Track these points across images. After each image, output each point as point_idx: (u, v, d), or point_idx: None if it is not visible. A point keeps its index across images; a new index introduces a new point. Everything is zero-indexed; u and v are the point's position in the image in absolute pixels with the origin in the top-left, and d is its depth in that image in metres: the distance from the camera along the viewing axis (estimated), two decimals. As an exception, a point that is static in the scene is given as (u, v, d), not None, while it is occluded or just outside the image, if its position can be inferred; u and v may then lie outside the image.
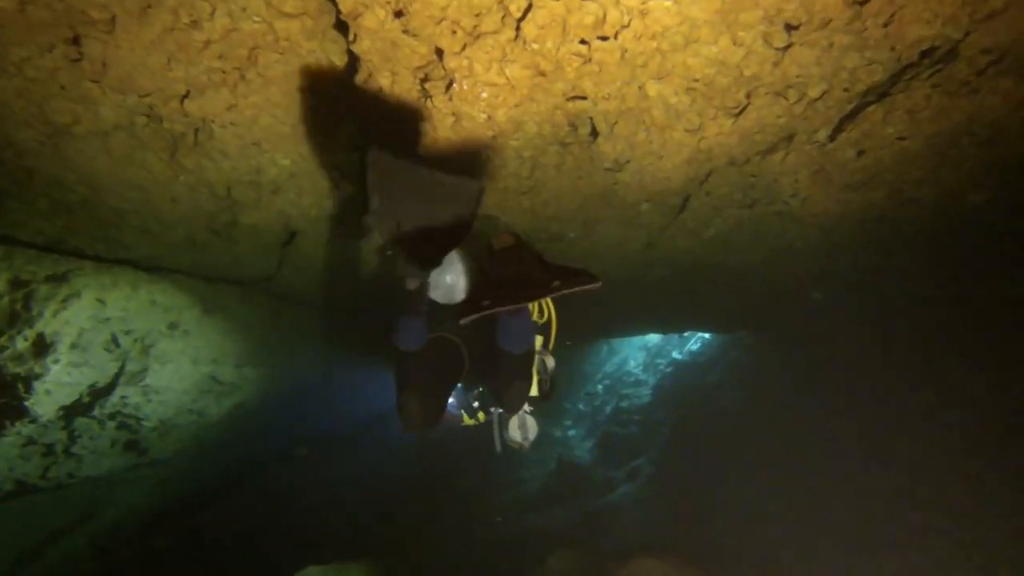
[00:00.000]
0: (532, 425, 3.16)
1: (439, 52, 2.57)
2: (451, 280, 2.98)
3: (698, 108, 3.03)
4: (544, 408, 3.39)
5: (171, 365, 4.94)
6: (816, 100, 2.96)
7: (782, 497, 8.56)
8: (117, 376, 4.60)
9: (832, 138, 3.28)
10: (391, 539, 8.98)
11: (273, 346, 5.91)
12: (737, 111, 3.04)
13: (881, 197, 3.80)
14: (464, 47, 2.52)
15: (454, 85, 2.70)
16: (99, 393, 4.55)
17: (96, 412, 4.67)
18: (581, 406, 14.08)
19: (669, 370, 12.88)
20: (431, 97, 2.80)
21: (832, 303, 6.73)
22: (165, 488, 6.59)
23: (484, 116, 2.93)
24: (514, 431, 3.13)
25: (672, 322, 9.66)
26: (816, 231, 4.55)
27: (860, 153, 3.36)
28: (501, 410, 3.25)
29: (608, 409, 13.06)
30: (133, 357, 4.63)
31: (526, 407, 3.14)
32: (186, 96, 2.79)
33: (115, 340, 4.51)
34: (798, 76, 2.81)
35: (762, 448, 9.34)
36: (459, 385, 3.28)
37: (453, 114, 2.95)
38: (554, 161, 3.77)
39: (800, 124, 3.17)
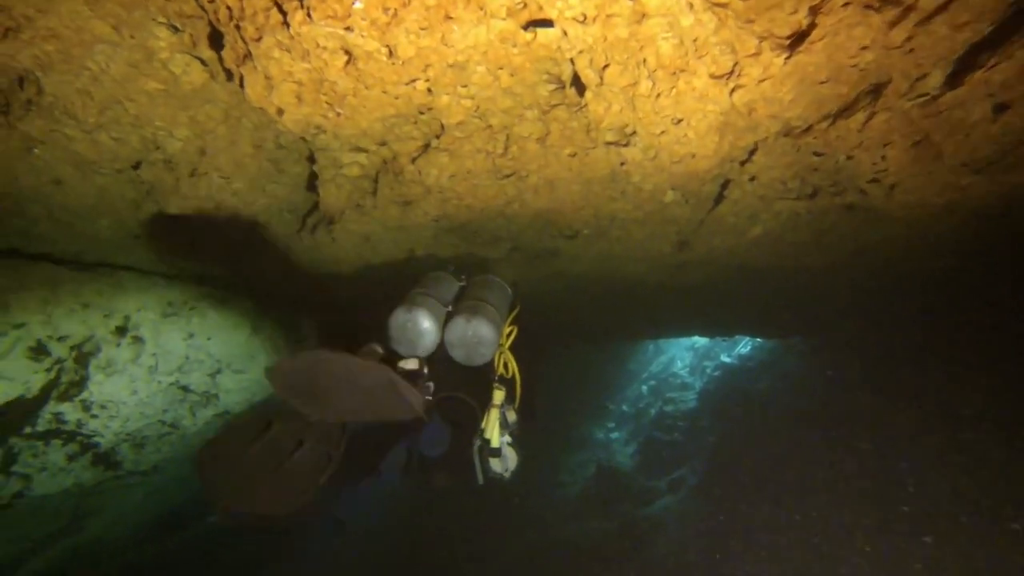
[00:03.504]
0: (512, 456, 2.87)
1: (278, -71, 1.42)
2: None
3: (729, 36, 1.75)
4: (526, 438, 3.07)
5: (121, 375, 4.00)
6: (931, 16, 1.63)
7: (838, 524, 7.03)
8: (48, 389, 3.69)
9: (953, 84, 1.91)
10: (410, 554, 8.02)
11: (255, 352, 4.93)
12: (793, 40, 1.74)
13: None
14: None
15: (309, -12, 1.53)
16: (26, 409, 3.65)
17: (27, 430, 3.79)
18: (625, 407, 12.71)
19: (716, 374, 11.34)
20: (289, 22, 1.64)
21: (911, 310, 5.20)
22: (156, 499, 5.76)
23: (383, 50, 1.74)
24: (494, 462, 2.83)
25: (713, 327, 8.20)
26: (903, 230, 3.13)
27: (1000, 108, 1.97)
28: (480, 443, 2.85)
29: (652, 412, 11.66)
30: (68, 367, 3.72)
31: (506, 438, 2.85)
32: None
33: (44, 348, 3.60)
34: (903, -31, 1.50)
35: (816, 467, 7.80)
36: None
37: (343, 50, 1.78)
38: (535, 132, 2.55)
39: (899, 61, 1.83)
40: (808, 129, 2.35)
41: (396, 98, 2.14)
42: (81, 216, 3.21)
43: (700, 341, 13.21)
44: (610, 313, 6.33)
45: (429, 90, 2.12)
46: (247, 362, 4.91)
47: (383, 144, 2.77)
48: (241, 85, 2.06)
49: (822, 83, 1.94)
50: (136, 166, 2.84)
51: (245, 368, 4.91)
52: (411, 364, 2.43)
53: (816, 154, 2.62)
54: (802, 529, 7.10)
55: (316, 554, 7.80)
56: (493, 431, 2.78)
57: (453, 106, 2.31)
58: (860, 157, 2.43)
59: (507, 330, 3.01)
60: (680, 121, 2.20)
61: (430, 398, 2.33)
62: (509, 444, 2.88)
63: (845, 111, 2.14)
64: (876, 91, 2.00)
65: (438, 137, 2.66)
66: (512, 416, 2.92)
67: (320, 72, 1.89)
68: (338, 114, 2.19)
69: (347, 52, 1.79)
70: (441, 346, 2.66)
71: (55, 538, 5.18)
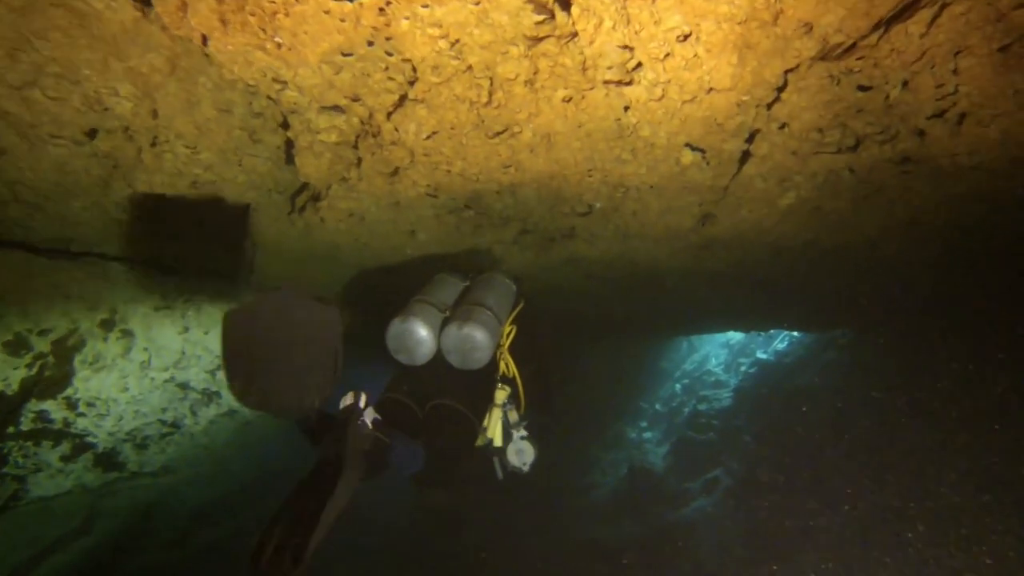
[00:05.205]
0: (528, 450, 2.83)
1: None
2: None
3: None
4: (543, 430, 3.06)
5: (109, 372, 3.70)
6: None
7: (883, 532, 6.34)
8: (30, 386, 3.40)
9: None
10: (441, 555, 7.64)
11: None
12: None
13: None
14: None
15: None
16: (8, 407, 3.37)
17: (11, 430, 3.51)
18: (658, 406, 12.04)
19: (752, 371, 10.59)
20: None
21: (977, 297, 4.53)
22: (173, 500, 5.48)
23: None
24: (512, 457, 2.82)
25: (747, 321, 7.53)
26: (971, 187, 2.55)
27: None
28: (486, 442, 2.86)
29: (686, 411, 10.97)
30: (50, 363, 3.43)
31: (521, 432, 2.84)
32: None
33: (24, 342, 3.31)
34: None
35: (858, 470, 7.10)
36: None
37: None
38: (522, 72, 2.11)
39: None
40: (852, 48, 1.84)
41: (342, 20, 1.72)
42: (48, 197, 2.90)
43: (735, 337, 12.48)
44: (634, 305, 5.80)
45: (381, 9, 1.69)
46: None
47: (356, 100, 2.37)
48: (149, 3, 1.66)
49: (873, -35, 1.44)
50: (91, 134, 2.50)
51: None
52: (347, 400, 2.21)
53: (861, 88, 2.10)
54: (843, 536, 6.44)
55: (342, 555, 7.46)
56: (495, 430, 2.76)
57: (418, 35, 1.88)
58: (920, 81, 1.89)
59: (507, 330, 2.91)
60: (687, 37, 1.72)
61: (369, 431, 2.12)
62: (524, 438, 2.83)
63: (905, 11, 1.62)
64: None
65: (412, 84, 2.24)
66: (514, 416, 2.85)
67: (234, -23, 1.49)
68: (279, 45, 1.79)
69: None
70: (440, 351, 2.60)
71: (69, 540, 4.92)
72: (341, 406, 2.14)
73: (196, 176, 2.91)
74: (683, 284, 4.87)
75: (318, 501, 1.66)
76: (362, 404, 2.16)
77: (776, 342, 10.89)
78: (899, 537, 5.91)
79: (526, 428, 2.87)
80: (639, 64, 1.99)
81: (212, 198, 3.18)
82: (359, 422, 2.05)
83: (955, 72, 1.78)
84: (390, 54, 2.08)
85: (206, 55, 2.07)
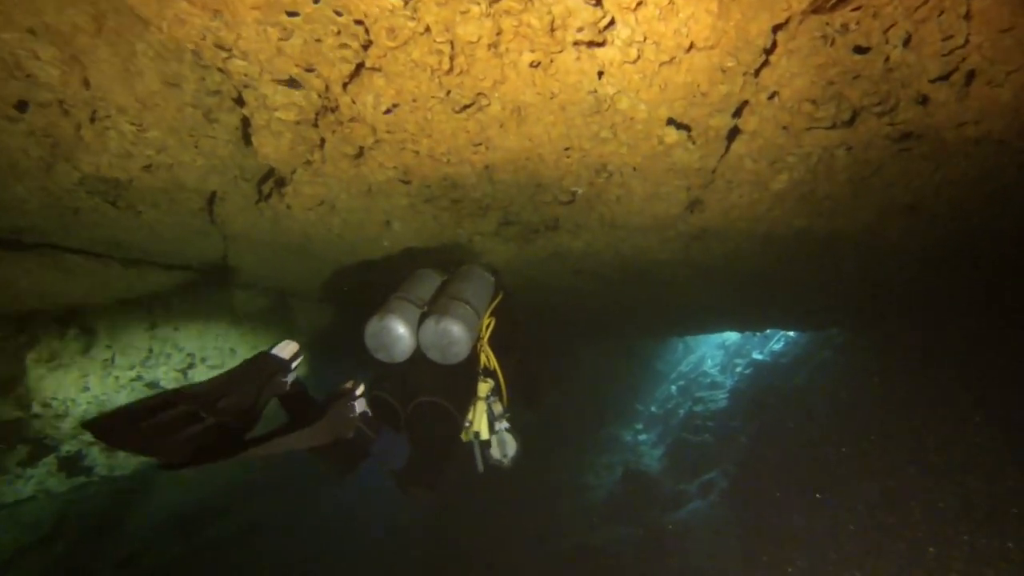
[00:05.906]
0: (511, 442, 2.80)
1: None
2: None
3: None
4: (526, 422, 3.06)
5: (68, 370, 3.47)
6: None
7: (883, 530, 6.14)
8: (-20, 384, 3.17)
9: None
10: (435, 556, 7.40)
11: (235, 345, 4.36)
12: None
13: None
14: None
15: None
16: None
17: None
18: (654, 408, 11.80)
19: (748, 372, 10.35)
20: None
21: (965, 291, 4.30)
22: (153, 505, 5.23)
23: None
24: (494, 449, 2.80)
25: (742, 319, 7.27)
26: (977, 165, 2.32)
27: None
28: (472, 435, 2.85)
29: (681, 413, 10.73)
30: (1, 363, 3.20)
31: (504, 425, 2.82)
32: None
33: (-30, 339, 3.09)
34: None
35: (856, 467, 6.91)
36: None
37: None
38: (485, 34, 1.90)
39: None
40: (847, -3, 1.62)
41: (271, -37, 1.50)
42: (-14, 181, 2.68)
43: (731, 338, 12.26)
44: (625, 303, 5.58)
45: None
46: (225, 356, 4.34)
47: (310, 70, 2.16)
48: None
49: None
50: (21, 107, 2.28)
51: (224, 362, 4.35)
52: (346, 385, 2.28)
53: (858, 50, 1.88)
54: (840, 537, 6.23)
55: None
56: (481, 423, 2.74)
57: (361, -10, 1.66)
58: (925, 34, 1.67)
59: (485, 322, 2.89)
60: (663, -20, 1.50)
61: (354, 415, 2.16)
62: (507, 431, 2.81)
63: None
64: None
65: (367, 49, 2.02)
66: (498, 408, 2.82)
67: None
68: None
69: None
70: (420, 347, 2.57)
71: (36, 547, 4.67)
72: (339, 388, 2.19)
73: (149, 158, 2.68)
74: (674, 279, 4.65)
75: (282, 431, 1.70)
76: (358, 392, 2.20)
77: (772, 342, 10.66)
78: (901, 533, 5.72)
79: (509, 420, 2.83)
80: (611, 21, 1.77)
81: (172, 183, 2.96)
82: (348, 404, 2.08)
83: (967, 17, 1.55)
84: (339, 13, 1.87)
85: (135, 13, 1.86)
